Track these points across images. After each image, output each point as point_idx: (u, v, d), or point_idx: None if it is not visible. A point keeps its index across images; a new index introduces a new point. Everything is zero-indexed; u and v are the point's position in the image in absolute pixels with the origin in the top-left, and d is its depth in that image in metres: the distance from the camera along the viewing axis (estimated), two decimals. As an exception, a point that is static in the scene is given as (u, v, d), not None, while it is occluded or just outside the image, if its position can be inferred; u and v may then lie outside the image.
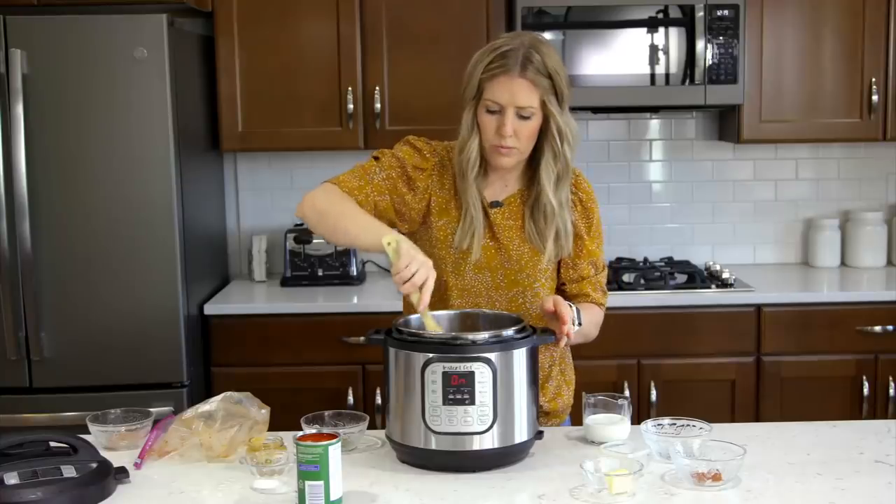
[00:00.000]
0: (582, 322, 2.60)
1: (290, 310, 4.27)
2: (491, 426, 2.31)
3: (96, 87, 3.86)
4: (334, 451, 2.11)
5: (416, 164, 2.74)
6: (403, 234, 2.67)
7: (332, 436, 2.14)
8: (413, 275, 2.38)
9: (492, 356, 2.30)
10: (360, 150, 4.49)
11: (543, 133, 2.64)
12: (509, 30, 4.36)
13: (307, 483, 2.10)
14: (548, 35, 4.33)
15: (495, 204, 2.74)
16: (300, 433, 2.25)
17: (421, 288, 2.39)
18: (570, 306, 2.56)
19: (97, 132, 3.88)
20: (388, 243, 2.44)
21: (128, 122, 3.88)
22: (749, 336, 4.26)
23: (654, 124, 4.92)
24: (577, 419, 2.65)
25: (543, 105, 2.59)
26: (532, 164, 2.71)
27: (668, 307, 4.27)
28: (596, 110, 4.69)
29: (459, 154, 2.68)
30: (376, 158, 2.78)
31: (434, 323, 2.46)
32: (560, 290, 2.84)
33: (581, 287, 2.82)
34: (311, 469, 2.10)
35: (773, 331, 4.25)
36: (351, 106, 4.41)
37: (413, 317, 2.54)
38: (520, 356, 2.36)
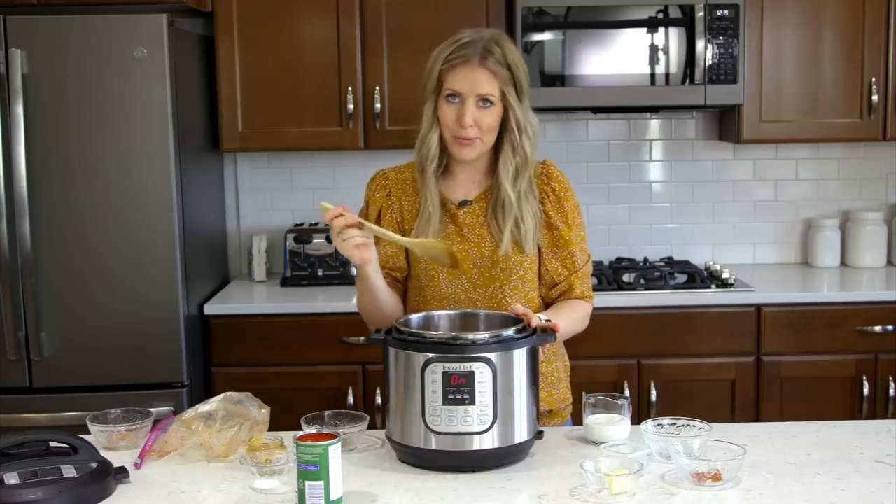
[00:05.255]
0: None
1: (290, 310, 4.27)
2: (491, 426, 2.31)
3: (96, 87, 3.86)
4: (334, 451, 2.11)
5: (373, 216, 2.79)
6: None
7: (332, 436, 2.14)
8: (346, 239, 2.48)
9: (492, 356, 2.30)
10: (360, 150, 4.49)
11: (503, 126, 2.65)
12: (509, 30, 4.36)
13: (307, 483, 2.10)
14: (548, 35, 4.34)
15: (465, 203, 2.74)
16: (300, 433, 2.25)
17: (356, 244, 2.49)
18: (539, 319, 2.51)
19: (97, 132, 3.88)
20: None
21: (128, 122, 3.89)
22: (749, 336, 4.26)
23: (654, 124, 4.92)
24: (577, 419, 2.65)
25: (503, 96, 2.61)
26: (496, 160, 2.71)
27: (668, 307, 4.27)
28: (596, 110, 4.69)
29: (419, 150, 2.70)
30: None
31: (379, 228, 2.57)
32: (545, 282, 2.81)
33: (569, 281, 2.78)
34: (311, 469, 2.10)
35: (773, 331, 4.25)
36: (351, 106, 4.41)
37: (413, 316, 2.55)
38: (520, 356, 2.35)
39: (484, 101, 2.60)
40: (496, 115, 2.62)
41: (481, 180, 2.76)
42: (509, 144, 2.66)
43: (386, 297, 2.69)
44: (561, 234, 2.76)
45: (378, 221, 2.76)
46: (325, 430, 2.36)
